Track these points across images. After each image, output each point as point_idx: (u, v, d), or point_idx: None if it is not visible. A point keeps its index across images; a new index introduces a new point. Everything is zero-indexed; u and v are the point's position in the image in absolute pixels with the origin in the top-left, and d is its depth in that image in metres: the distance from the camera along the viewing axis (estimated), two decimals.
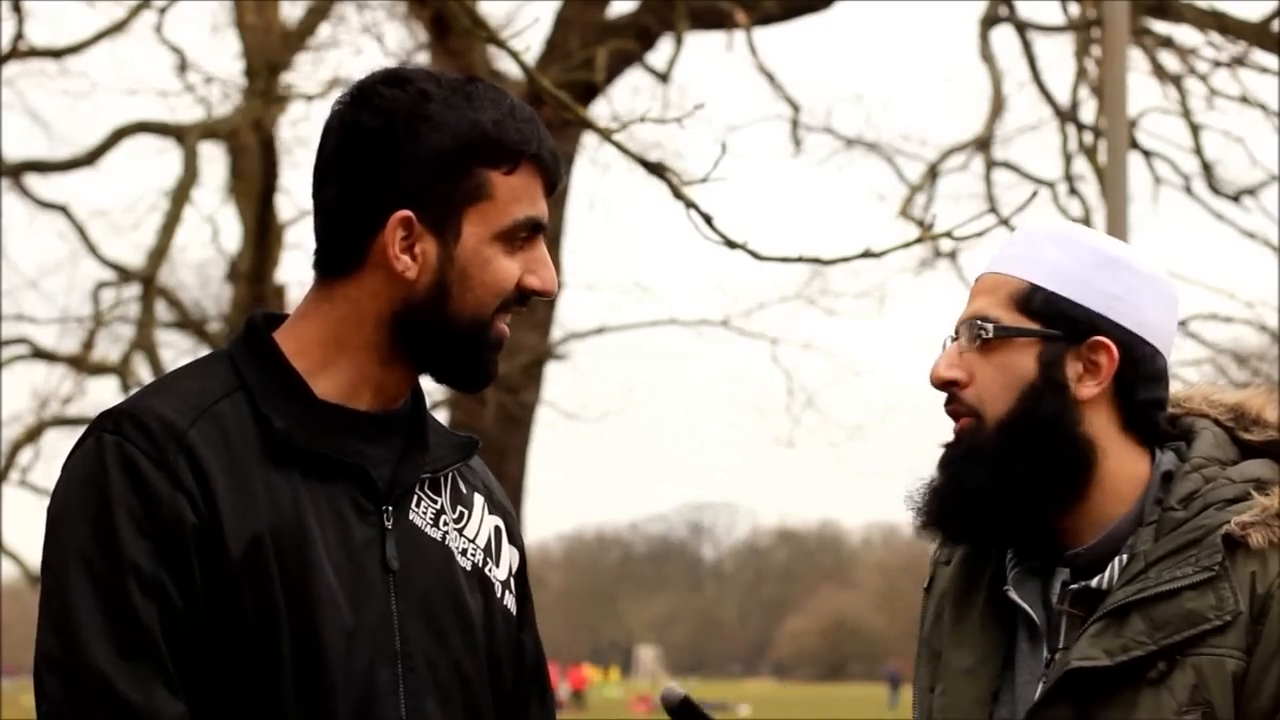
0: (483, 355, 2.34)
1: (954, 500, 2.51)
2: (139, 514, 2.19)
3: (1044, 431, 2.48)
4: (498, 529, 2.46)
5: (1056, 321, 2.50)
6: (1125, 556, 2.47)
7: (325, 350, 2.33)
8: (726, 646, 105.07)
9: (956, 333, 2.56)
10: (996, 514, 2.49)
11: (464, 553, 2.38)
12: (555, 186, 2.37)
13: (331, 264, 2.33)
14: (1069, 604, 2.49)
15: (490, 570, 2.41)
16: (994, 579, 2.57)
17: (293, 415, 2.28)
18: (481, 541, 2.42)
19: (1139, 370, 2.52)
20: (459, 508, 2.41)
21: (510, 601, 2.43)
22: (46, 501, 2.29)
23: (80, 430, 2.31)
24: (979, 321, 2.52)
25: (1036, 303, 2.51)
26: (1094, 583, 2.47)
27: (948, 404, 2.54)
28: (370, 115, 2.30)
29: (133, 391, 2.47)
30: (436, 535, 2.35)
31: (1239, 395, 2.62)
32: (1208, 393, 2.63)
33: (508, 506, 2.51)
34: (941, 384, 2.54)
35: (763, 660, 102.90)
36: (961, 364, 2.53)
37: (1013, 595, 2.52)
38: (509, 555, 2.46)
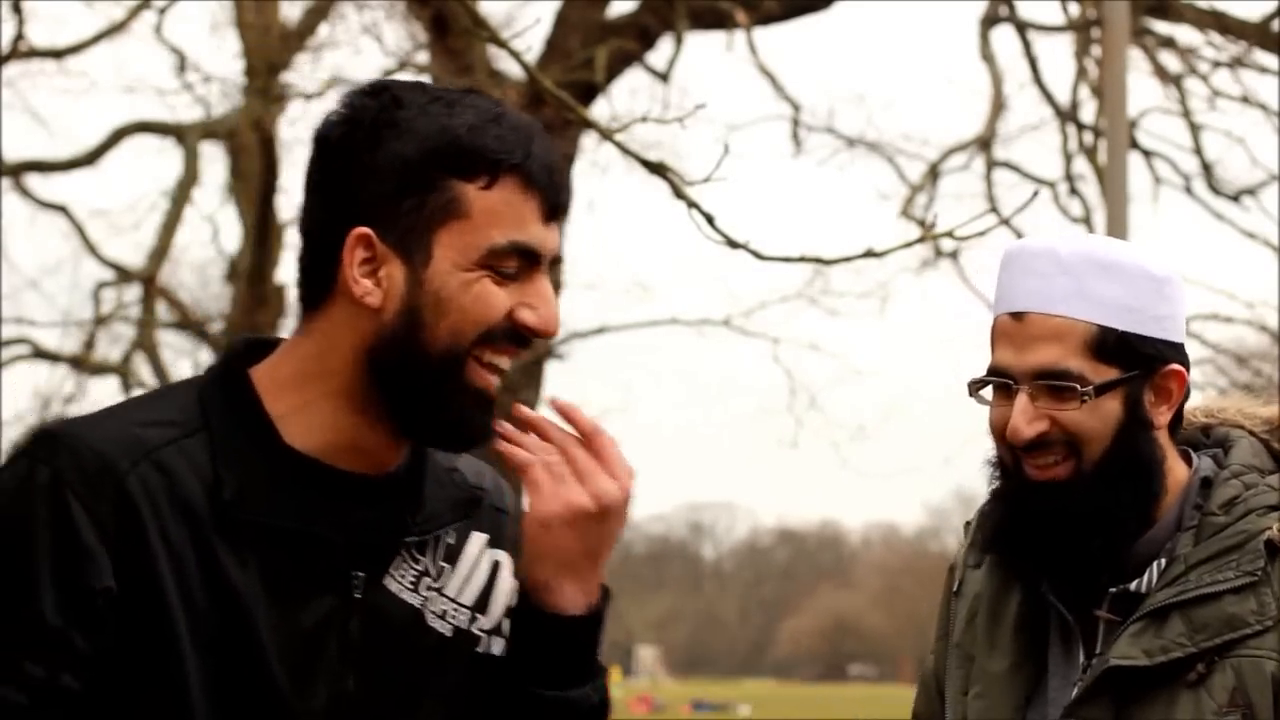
0: (459, 399, 2.03)
1: (1068, 545, 2.47)
2: (59, 565, 1.94)
3: (1140, 467, 2.49)
4: (496, 564, 2.19)
5: (1133, 361, 2.48)
6: (1164, 560, 2.49)
7: (296, 393, 2.05)
8: (726, 646, 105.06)
9: (1006, 378, 2.49)
10: (1101, 549, 2.48)
11: (443, 615, 2.12)
12: (557, 210, 2.06)
13: (306, 294, 2.07)
14: (1108, 607, 2.50)
15: (476, 624, 2.15)
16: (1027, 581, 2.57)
17: (252, 472, 2.01)
18: (469, 597, 2.15)
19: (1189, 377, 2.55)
20: (443, 564, 2.13)
21: (498, 646, 2.16)
22: None
23: None
24: (1067, 381, 2.45)
25: (1111, 346, 2.47)
26: (1133, 586, 2.49)
27: (1032, 453, 2.48)
28: (335, 126, 2.05)
29: (89, 411, 2.16)
30: (415, 601, 2.10)
31: (1275, 409, 2.64)
32: (1243, 405, 2.67)
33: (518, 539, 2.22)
34: (1026, 443, 2.48)
35: (763, 660, 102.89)
36: (1040, 416, 2.47)
37: (1050, 597, 2.53)
38: (506, 593, 2.18)
